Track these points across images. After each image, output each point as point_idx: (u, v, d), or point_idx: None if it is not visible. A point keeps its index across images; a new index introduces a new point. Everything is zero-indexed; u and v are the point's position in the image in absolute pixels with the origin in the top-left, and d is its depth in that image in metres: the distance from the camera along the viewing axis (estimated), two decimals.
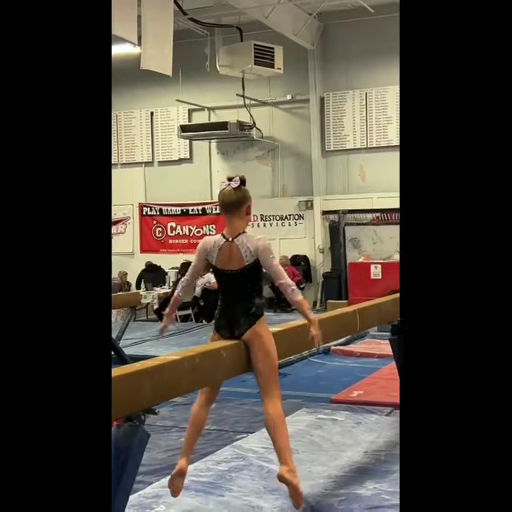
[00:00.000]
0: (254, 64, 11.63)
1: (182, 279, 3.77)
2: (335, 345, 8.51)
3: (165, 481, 4.15)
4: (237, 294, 3.49)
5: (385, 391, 6.23)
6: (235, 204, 3.45)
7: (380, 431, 5.07)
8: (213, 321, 3.65)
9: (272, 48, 12.04)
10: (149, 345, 8.90)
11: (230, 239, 3.45)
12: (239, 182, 3.44)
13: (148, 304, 11.77)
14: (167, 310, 3.75)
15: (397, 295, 5.82)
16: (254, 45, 11.66)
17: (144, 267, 13.50)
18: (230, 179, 3.47)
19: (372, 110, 13.24)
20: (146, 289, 12.04)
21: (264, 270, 3.49)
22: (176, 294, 3.71)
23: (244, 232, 3.48)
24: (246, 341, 3.46)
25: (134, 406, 2.82)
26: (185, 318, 11.41)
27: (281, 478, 3.34)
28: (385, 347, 7.22)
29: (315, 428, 5.13)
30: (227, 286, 3.52)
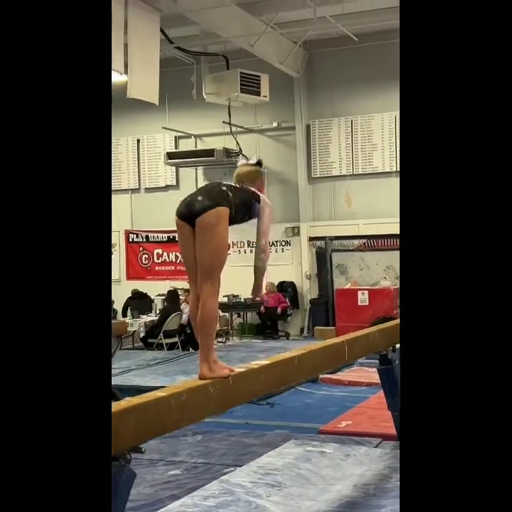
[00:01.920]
0: (240, 92, 11.69)
1: None
2: (323, 374, 8.46)
3: None
4: (213, 184, 3.43)
5: (374, 421, 6.18)
6: (248, 177, 3.52)
7: (369, 463, 5.02)
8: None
9: (258, 76, 12.11)
10: (135, 375, 8.80)
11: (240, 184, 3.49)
12: (256, 161, 3.57)
13: (134, 332, 11.69)
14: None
15: (385, 325, 5.82)
16: (240, 73, 11.72)
17: (130, 295, 13.41)
18: (248, 158, 3.65)
19: (358, 137, 13.31)
20: (133, 317, 11.97)
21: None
22: None
23: None
24: (199, 225, 3.18)
25: (119, 445, 2.77)
26: (171, 346, 11.32)
27: (202, 378, 3.22)
28: (373, 375, 7.19)
29: (303, 461, 5.07)
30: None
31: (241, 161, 3.62)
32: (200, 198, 3.25)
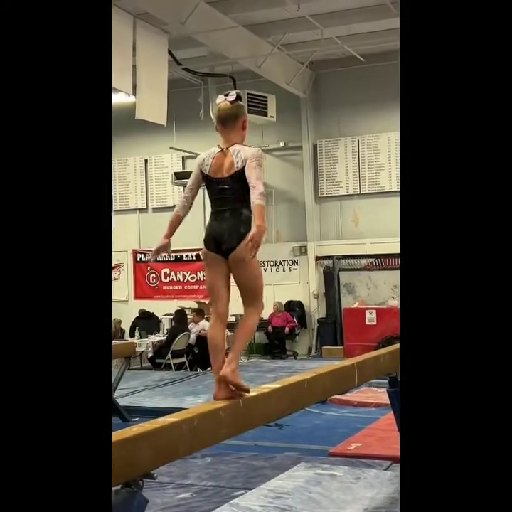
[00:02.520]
0: (248, 112, 11.71)
1: (181, 197, 3.60)
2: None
3: None
4: (227, 204, 3.36)
5: (384, 443, 6.15)
6: (231, 117, 3.42)
7: (380, 486, 4.99)
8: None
9: (265, 97, 12.19)
10: (144, 396, 8.79)
11: (225, 148, 3.39)
12: (235, 96, 3.42)
13: (142, 352, 11.67)
14: (165, 233, 3.50)
15: (395, 347, 5.80)
16: (248, 93, 11.80)
17: (137, 315, 13.42)
18: (226, 94, 3.44)
19: (365, 157, 13.36)
20: (141, 337, 11.97)
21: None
22: (174, 211, 3.53)
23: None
24: (233, 259, 3.28)
25: (131, 471, 2.76)
26: (179, 366, 11.30)
27: (221, 379, 3.22)
28: (382, 395, 7.15)
29: (314, 484, 5.04)
30: (217, 196, 3.40)
31: (219, 98, 3.45)
32: (225, 234, 3.31)
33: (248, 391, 3.30)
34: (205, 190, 11.32)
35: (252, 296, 3.36)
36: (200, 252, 3.48)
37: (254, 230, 3.21)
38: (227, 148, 3.38)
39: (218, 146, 3.43)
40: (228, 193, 3.36)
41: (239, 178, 3.33)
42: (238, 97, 3.44)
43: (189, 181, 3.56)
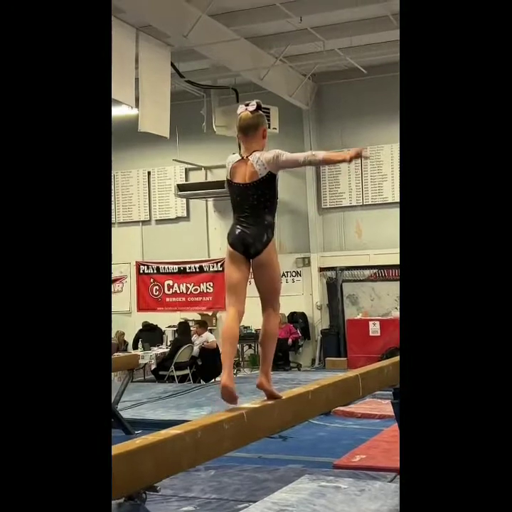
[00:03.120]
0: None
1: None
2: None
3: None
4: (250, 210, 3.46)
5: (388, 455, 6.11)
6: (251, 127, 3.53)
7: (385, 498, 4.96)
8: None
9: (268, 109, 12.21)
10: (147, 408, 8.76)
11: (245, 157, 3.50)
12: (255, 106, 3.53)
13: (145, 364, 11.67)
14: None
15: (398, 358, 5.77)
16: None
17: (140, 327, 13.42)
18: (246, 104, 3.56)
19: (368, 168, 13.38)
20: (144, 349, 11.97)
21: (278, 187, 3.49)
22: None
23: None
24: (257, 263, 3.44)
25: (134, 484, 2.75)
26: (182, 379, 11.29)
27: (259, 386, 3.50)
28: (386, 407, 7.14)
29: (318, 496, 5.02)
30: (240, 202, 3.49)
31: (240, 108, 3.57)
32: (250, 240, 3.42)
33: (280, 398, 3.53)
34: (208, 202, 11.55)
35: (271, 297, 3.53)
36: (225, 250, 3.55)
37: (346, 155, 3.42)
38: (247, 157, 3.49)
39: (239, 153, 3.55)
40: (251, 200, 3.46)
41: (262, 184, 3.45)
42: (258, 107, 3.56)
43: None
